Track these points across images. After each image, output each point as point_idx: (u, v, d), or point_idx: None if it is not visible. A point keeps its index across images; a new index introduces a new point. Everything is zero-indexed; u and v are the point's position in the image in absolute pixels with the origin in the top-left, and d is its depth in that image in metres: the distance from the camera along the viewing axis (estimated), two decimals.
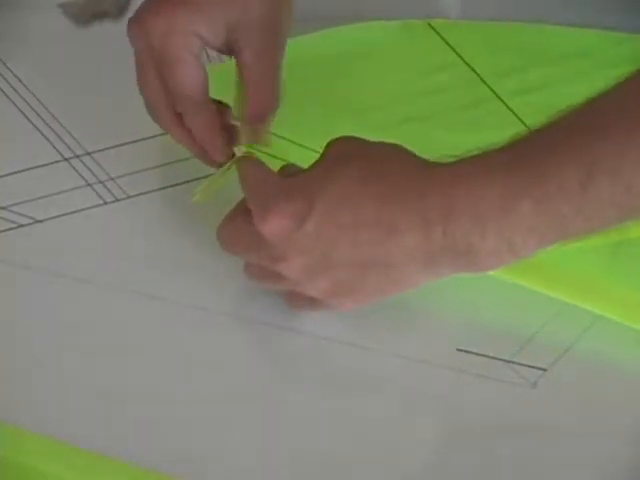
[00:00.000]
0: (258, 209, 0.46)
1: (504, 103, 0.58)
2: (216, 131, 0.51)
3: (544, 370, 0.49)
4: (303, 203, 0.45)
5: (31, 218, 0.54)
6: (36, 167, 0.55)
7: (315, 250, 0.46)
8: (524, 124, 0.57)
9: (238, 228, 0.49)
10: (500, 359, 0.49)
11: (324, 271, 0.46)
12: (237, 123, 0.52)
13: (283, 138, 0.55)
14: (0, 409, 0.47)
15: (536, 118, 0.57)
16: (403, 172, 0.45)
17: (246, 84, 0.51)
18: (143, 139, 0.57)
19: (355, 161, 0.46)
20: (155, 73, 0.50)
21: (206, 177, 0.55)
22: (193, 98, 0.50)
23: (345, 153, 0.47)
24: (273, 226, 0.45)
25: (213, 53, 0.59)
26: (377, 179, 0.45)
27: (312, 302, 0.49)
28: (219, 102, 0.52)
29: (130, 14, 0.60)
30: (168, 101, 0.51)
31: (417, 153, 0.46)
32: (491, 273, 0.49)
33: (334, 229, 0.45)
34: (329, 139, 0.48)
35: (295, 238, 0.45)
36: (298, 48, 0.57)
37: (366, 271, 0.46)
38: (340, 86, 0.54)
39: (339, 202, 0.45)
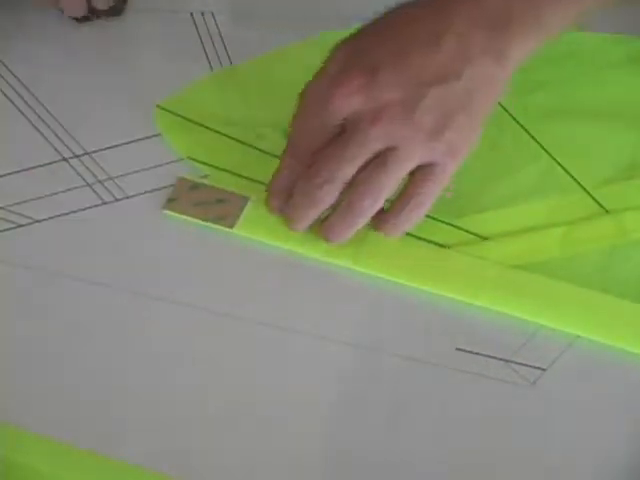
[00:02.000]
0: (320, 96, 0.46)
1: (501, 106, 0.58)
2: None
3: (543, 370, 0.49)
4: (362, 64, 0.45)
5: (30, 218, 0.54)
6: (35, 167, 0.55)
7: (402, 83, 0.45)
8: (521, 126, 0.57)
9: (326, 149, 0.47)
10: (499, 359, 0.50)
11: (422, 98, 0.45)
12: None
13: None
14: (0, 409, 0.48)
15: (534, 119, 0.58)
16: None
17: None
18: (142, 139, 0.57)
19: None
20: None
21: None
22: None
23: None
24: (345, 93, 0.45)
25: (216, 62, 0.60)
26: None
27: None
28: None
29: (128, 13, 0.60)
30: None
31: None
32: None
33: (406, 54, 0.45)
34: None
35: (376, 84, 0.45)
36: (291, 56, 0.57)
37: (451, 75, 0.45)
38: None
39: (395, 32, 0.45)
